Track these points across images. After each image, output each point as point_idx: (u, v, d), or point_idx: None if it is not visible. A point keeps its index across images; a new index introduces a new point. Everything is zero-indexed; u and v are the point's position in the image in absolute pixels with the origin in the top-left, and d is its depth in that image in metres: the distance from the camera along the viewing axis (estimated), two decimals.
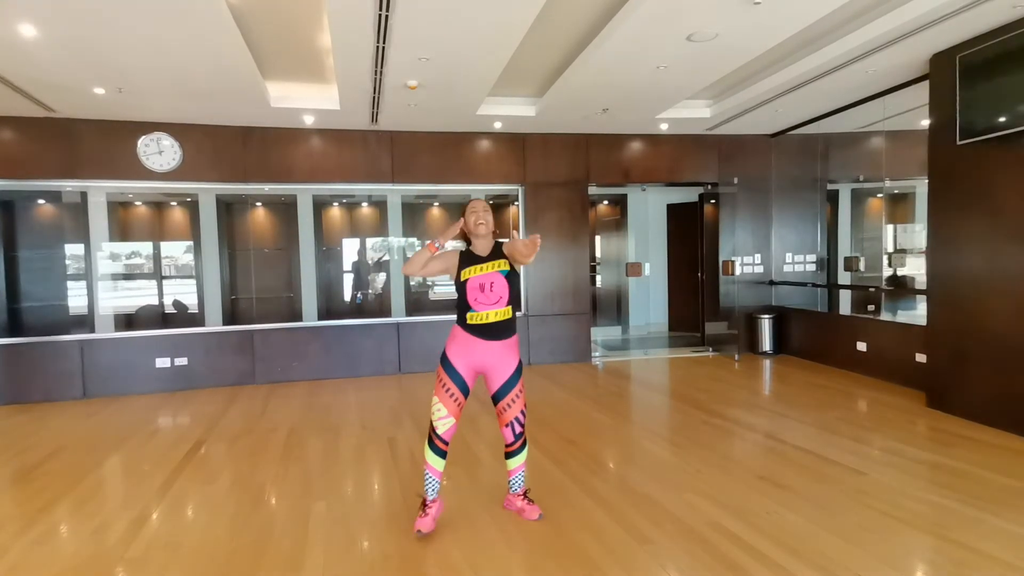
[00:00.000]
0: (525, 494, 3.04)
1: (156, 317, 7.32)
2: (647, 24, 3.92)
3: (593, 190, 7.43)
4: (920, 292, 5.51)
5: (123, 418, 5.17)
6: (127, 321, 6.88)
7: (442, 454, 2.85)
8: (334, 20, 3.73)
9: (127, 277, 7.41)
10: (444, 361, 2.87)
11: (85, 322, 6.19)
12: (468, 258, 2.90)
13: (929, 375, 4.82)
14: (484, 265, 2.86)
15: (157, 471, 3.82)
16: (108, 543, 2.85)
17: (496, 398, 2.91)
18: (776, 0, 3.60)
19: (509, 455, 2.98)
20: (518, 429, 2.93)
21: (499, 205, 7.99)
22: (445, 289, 8.16)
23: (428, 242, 2.88)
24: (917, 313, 6.15)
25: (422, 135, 6.66)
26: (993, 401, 4.25)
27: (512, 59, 4.64)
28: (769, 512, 2.98)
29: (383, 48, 4.16)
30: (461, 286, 2.86)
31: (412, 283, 7.76)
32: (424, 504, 2.87)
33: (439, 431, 2.82)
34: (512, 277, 2.90)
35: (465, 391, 2.85)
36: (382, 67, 4.52)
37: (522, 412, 2.94)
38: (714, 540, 2.71)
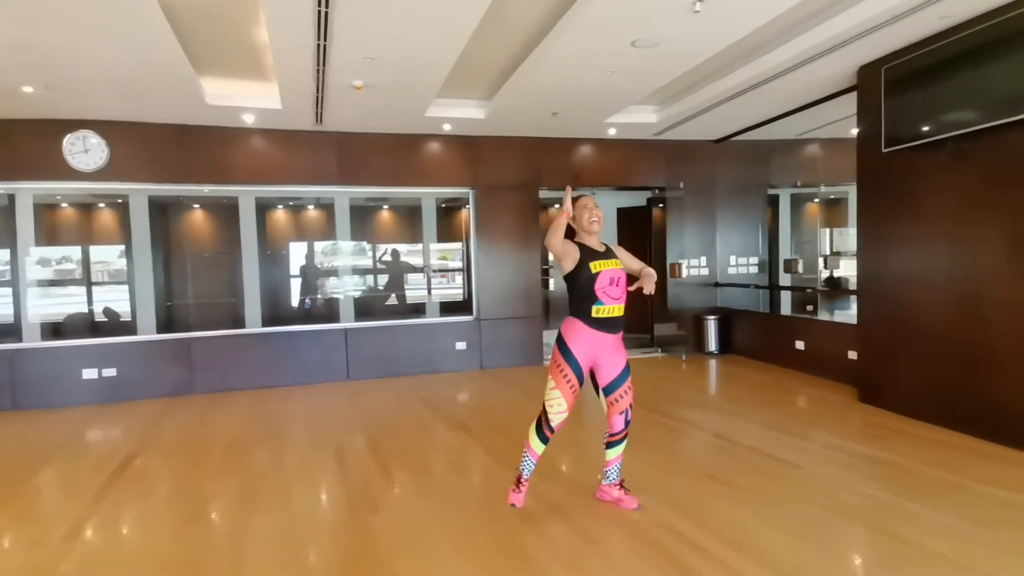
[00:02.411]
0: (621, 483, 3.10)
1: (86, 325, 6.91)
2: (592, 29, 3.96)
3: (544, 193, 7.47)
4: (852, 292, 5.77)
5: (53, 430, 4.86)
6: (55, 330, 6.46)
7: (547, 441, 2.95)
8: (270, 15, 3.60)
9: (55, 283, 6.96)
10: (564, 351, 2.88)
11: (12, 331, 5.79)
12: (589, 252, 2.92)
13: (860, 371, 5.04)
14: (609, 260, 2.92)
15: (90, 484, 3.59)
16: (39, 559, 2.67)
17: (609, 389, 2.98)
18: (715, 10, 3.70)
19: (612, 444, 3.05)
20: (630, 416, 3.02)
21: (450, 208, 7.93)
22: (397, 293, 8.02)
23: (560, 211, 2.88)
24: (851, 313, 6.43)
25: (370, 136, 6.54)
26: (920, 395, 4.47)
27: (461, 61, 4.61)
28: (715, 509, 3.04)
29: (324, 46, 4.05)
30: (591, 278, 2.86)
31: (363, 286, 7.60)
32: (519, 481, 2.98)
33: (553, 423, 2.89)
34: (629, 277, 3.00)
35: (581, 379, 2.91)
36: (324, 66, 4.41)
37: (633, 401, 3.03)
38: (662, 539, 2.74)
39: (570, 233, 2.99)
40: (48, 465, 4.04)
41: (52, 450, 4.34)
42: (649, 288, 2.94)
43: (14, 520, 3.19)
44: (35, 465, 4.03)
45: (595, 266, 2.87)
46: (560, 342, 2.92)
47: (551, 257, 9.40)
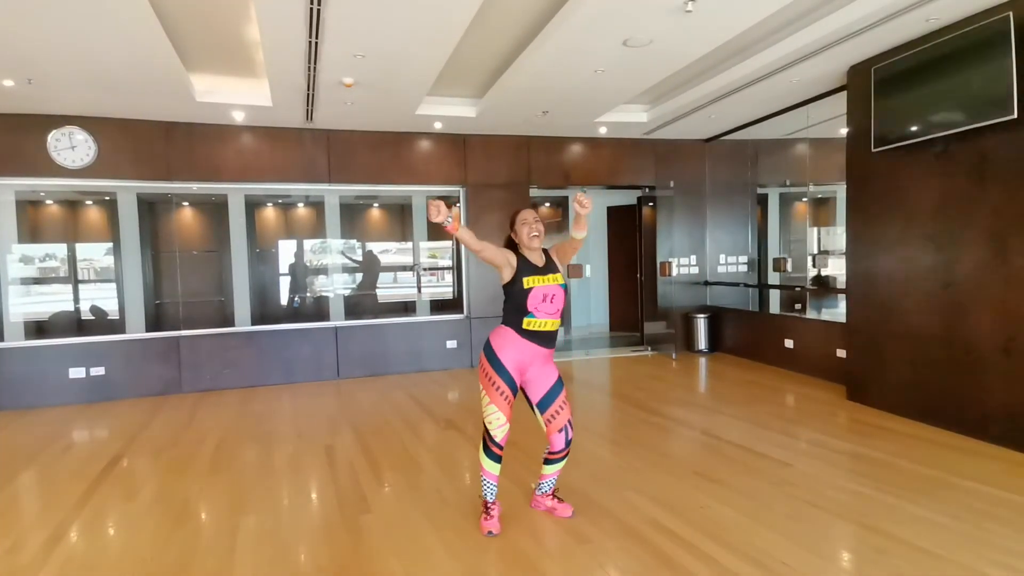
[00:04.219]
0: (555, 493, 3.06)
1: (72, 324, 6.84)
2: (584, 28, 3.96)
3: (535, 192, 7.48)
4: (840, 291, 5.83)
5: (37, 431, 4.79)
6: (39, 328, 6.39)
7: (498, 459, 2.85)
8: (262, 12, 3.57)
9: (39, 281, 6.88)
10: (493, 360, 2.80)
11: None
12: (527, 266, 2.83)
13: (849, 369, 5.09)
14: (547, 277, 2.82)
15: (74, 486, 3.55)
16: (17, 565, 2.62)
17: (543, 405, 2.89)
18: (708, 9, 3.71)
19: (552, 462, 2.96)
20: (570, 434, 2.92)
21: None
22: (386, 292, 8.01)
23: (446, 227, 2.60)
24: (838, 311, 6.49)
25: (360, 134, 6.51)
26: (906, 393, 4.53)
27: (452, 59, 4.60)
28: (703, 507, 3.06)
29: (316, 44, 4.02)
30: (524, 293, 2.78)
31: (353, 284, 7.57)
32: (486, 507, 2.88)
33: (496, 439, 2.81)
34: (567, 291, 2.92)
35: (514, 390, 2.82)
36: (315, 63, 4.38)
37: (571, 418, 2.94)
38: (651, 537, 2.76)
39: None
40: (30, 467, 3.99)
41: (35, 451, 4.29)
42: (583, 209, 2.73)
43: None
44: (17, 467, 3.98)
45: (528, 282, 2.78)
46: (488, 351, 2.83)
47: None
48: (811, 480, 3.38)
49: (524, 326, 2.80)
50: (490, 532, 2.82)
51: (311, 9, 3.50)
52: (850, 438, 4.11)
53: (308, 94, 5.12)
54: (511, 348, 2.81)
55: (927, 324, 4.35)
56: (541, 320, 2.80)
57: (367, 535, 2.86)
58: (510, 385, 2.80)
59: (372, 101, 5.40)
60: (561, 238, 9.23)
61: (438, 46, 4.19)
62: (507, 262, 2.81)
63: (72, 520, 3.12)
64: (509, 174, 7.07)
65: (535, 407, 2.91)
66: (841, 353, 5.42)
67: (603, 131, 6.97)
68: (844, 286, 5.24)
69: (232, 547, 2.78)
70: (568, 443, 2.92)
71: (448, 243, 7.83)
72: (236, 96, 5.41)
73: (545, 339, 2.84)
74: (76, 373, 5.73)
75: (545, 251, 2.92)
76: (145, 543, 2.85)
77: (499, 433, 2.81)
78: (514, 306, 2.83)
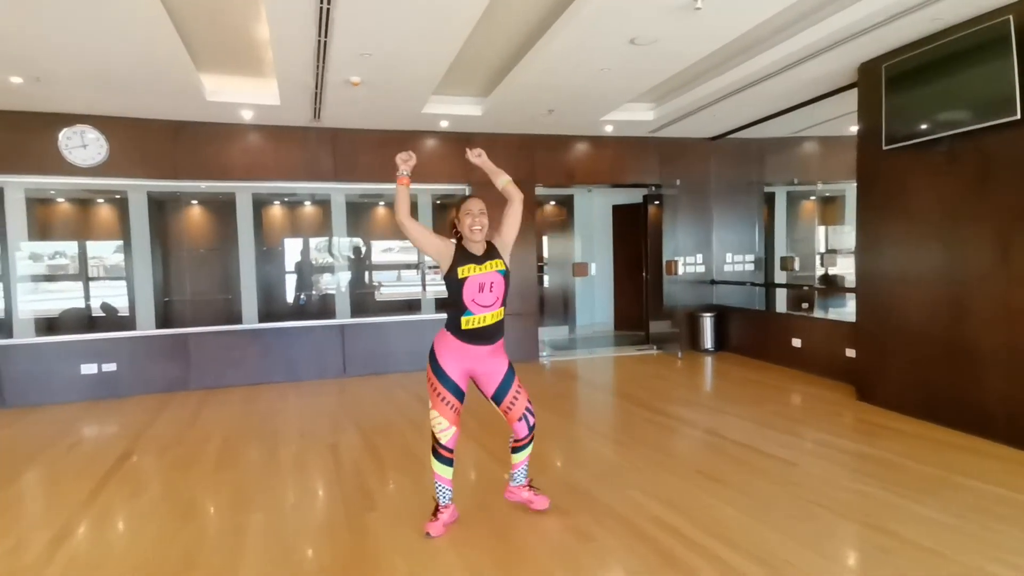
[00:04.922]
0: (530, 484, 3.04)
1: (82, 320, 6.90)
2: (591, 26, 3.96)
3: (540, 191, 7.47)
4: (849, 290, 5.80)
5: (44, 428, 4.84)
6: (49, 325, 6.45)
7: (449, 462, 2.80)
8: (272, 11, 3.59)
9: (49, 279, 6.95)
10: (436, 370, 2.74)
11: (3, 327, 5.77)
12: (464, 255, 2.74)
13: (858, 369, 5.07)
14: (484, 264, 2.73)
15: (80, 484, 3.59)
16: (24, 562, 2.66)
17: (497, 398, 2.84)
18: (715, 6, 3.70)
19: (517, 449, 2.94)
20: (531, 420, 2.89)
21: (445, 205, 7.93)
22: (390, 290, 8.03)
23: (398, 176, 2.68)
24: (847, 310, 6.46)
25: (366, 133, 6.53)
26: (912, 392, 4.51)
27: (458, 58, 4.60)
28: (708, 506, 3.06)
29: (325, 42, 4.04)
30: (458, 284, 2.69)
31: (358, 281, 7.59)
32: (437, 509, 2.84)
33: (443, 442, 2.76)
34: (507, 277, 2.81)
35: (461, 396, 2.76)
36: (324, 62, 4.40)
37: (530, 402, 2.92)
38: (655, 535, 2.76)
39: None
40: (38, 463, 4.03)
41: (42, 448, 4.33)
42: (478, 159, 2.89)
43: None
44: (25, 464, 4.02)
45: (464, 271, 2.69)
46: (432, 359, 2.76)
47: (547, 254, 9.50)
48: (816, 480, 3.36)
49: (463, 326, 2.70)
50: (428, 534, 2.77)
51: (321, 8, 3.52)
52: (856, 438, 4.09)
53: (316, 93, 5.15)
54: (454, 356, 2.74)
55: (934, 323, 4.32)
56: (479, 316, 2.71)
57: (372, 533, 2.87)
58: (455, 394, 2.74)
59: (378, 100, 5.42)
60: (565, 238, 9.24)
61: (445, 44, 4.20)
62: (442, 251, 2.74)
63: (79, 518, 3.15)
64: (514, 173, 6.84)
65: (490, 400, 2.87)
66: (850, 353, 5.39)
67: (609, 129, 6.96)
68: (853, 285, 5.21)
69: (238, 545, 2.80)
70: (531, 428, 2.90)
71: (452, 242, 7.83)
72: (244, 95, 5.44)
73: (487, 337, 2.76)
74: (88, 369, 5.78)
75: (490, 243, 2.84)
76: (151, 540, 2.87)
77: (445, 436, 2.75)
78: (451, 301, 2.74)
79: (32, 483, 3.72)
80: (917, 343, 4.46)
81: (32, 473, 3.86)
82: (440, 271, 2.77)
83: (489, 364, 2.81)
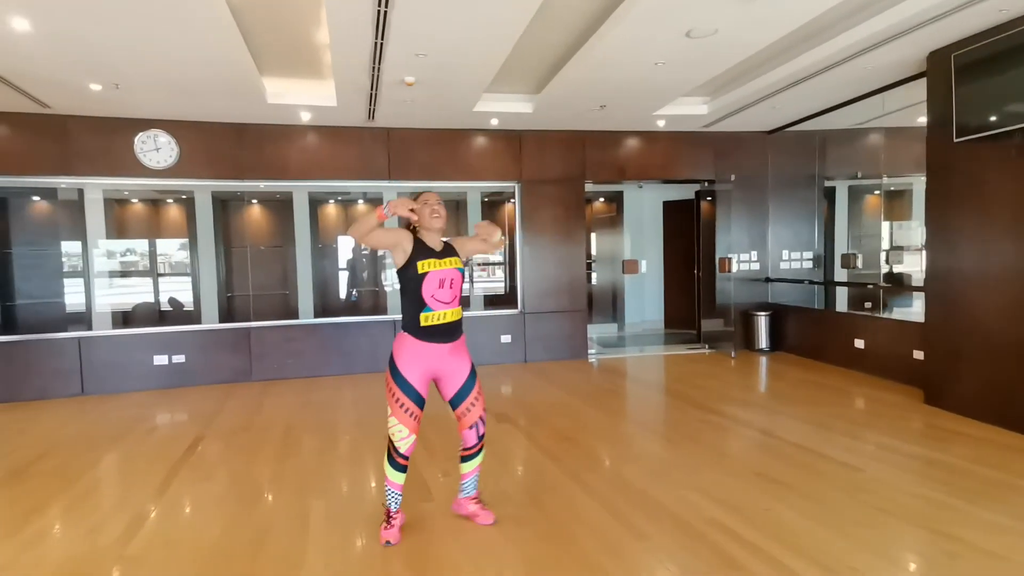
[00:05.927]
0: (477, 498, 2.96)
1: (152, 314, 7.30)
2: (646, 20, 3.91)
3: (589, 187, 7.43)
4: (918, 289, 5.53)
5: (120, 415, 5.15)
6: (123, 318, 6.86)
7: (403, 469, 2.75)
8: (332, 16, 3.71)
9: (123, 274, 7.38)
10: (396, 376, 2.68)
11: (82, 319, 6.17)
12: (423, 248, 2.71)
13: (926, 372, 4.84)
14: (443, 260, 2.71)
15: (155, 468, 3.81)
16: (105, 542, 2.84)
17: (455, 402, 2.79)
18: None
19: (467, 458, 2.87)
20: (482, 430, 2.83)
21: (495, 202, 7.99)
22: None
23: (379, 207, 2.61)
24: (913, 310, 6.17)
25: (418, 132, 6.64)
26: (984, 396, 4.27)
27: (509, 56, 4.62)
28: (766, 508, 2.99)
29: (381, 44, 4.14)
30: (418, 279, 2.65)
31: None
32: (388, 516, 2.78)
33: (401, 450, 2.70)
34: (463, 277, 2.80)
35: (421, 403, 2.71)
36: (380, 64, 4.50)
37: (484, 411, 2.87)
38: (711, 536, 2.72)
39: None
40: (117, 448, 4.29)
41: (122, 434, 4.61)
42: (494, 236, 2.77)
43: (82, 502, 3.41)
44: (106, 448, 4.29)
45: (423, 266, 2.64)
46: (391, 364, 2.70)
47: (595, 251, 9.43)
48: (881, 485, 3.24)
49: (423, 323, 2.66)
50: (388, 542, 2.70)
51: (378, 11, 3.60)
52: (924, 443, 3.92)
53: (371, 94, 5.27)
54: (414, 360, 2.68)
55: (1007, 325, 4.08)
56: (439, 312, 2.67)
57: (429, 523, 2.94)
58: (415, 400, 2.68)
59: (431, 99, 5.51)
60: (614, 234, 9.16)
61: (498, 42, 4.23)
62: (399, 244, 2.68)
63: (155, 500, 3.34)
64: (563, 169, 7.06)
65: (448, 403, 2.82)
66: (918, 355, 5.15)
67: (661, 124, 6.85)
68: (920, 283, 4.97)
69: (303, 529, 2.92)
70: (481, 438, 2.83)
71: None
72: (303, 97, 5.62)
73: (447, 334, 2.72)
74: (160, 360, 6.12)
75: (447, 243, 2.82)
76: (223, 523, 3.02)
77: (403, 445, 2.69)
78: (409, 298, 2.69)
79: (112, 467, 3.97)
80: (991, 345, 4.22)
81: (112, 456, 4.11)
82: (396, 263, 2.71)
83: (451, 363, 2.76)
